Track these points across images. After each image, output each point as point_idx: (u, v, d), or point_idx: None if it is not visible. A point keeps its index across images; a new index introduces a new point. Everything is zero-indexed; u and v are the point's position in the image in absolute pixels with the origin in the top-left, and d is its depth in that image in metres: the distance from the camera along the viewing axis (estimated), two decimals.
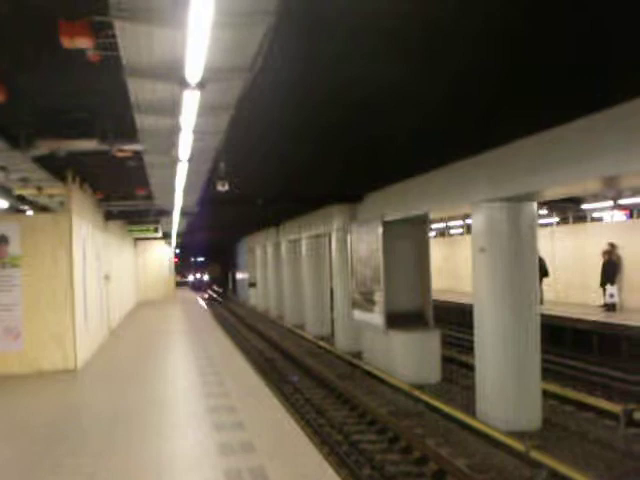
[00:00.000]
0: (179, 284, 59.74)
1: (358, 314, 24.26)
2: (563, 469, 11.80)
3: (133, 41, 6.44)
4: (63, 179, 15.92)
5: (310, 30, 7.76)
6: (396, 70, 9.40)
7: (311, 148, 15.09)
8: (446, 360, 21.85)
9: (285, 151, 15.43)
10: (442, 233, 43.01)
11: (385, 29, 7.84)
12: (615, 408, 15.28)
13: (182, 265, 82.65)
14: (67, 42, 6.86)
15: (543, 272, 27.11)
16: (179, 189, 17.20)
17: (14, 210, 19.49)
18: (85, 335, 16.70)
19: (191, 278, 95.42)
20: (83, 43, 6.91)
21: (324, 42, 8.16)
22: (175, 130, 10.23)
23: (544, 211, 28.45)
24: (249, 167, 17.34)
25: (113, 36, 6.45)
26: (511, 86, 10.32)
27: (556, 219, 30.88)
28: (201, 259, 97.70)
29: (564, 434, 14.60)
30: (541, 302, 26.71)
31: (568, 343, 23.04)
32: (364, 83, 10.01)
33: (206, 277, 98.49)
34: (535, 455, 12.60)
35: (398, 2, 7.02)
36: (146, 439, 9.67)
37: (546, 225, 30.70)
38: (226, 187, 15.94)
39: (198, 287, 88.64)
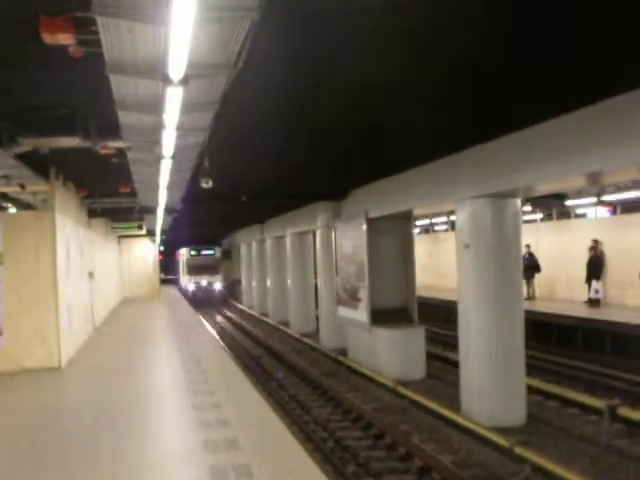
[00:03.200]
0: (164, 281, 59.25)
1: (342, 311, 24.28)
2: (547, 464, 11.84)
3: (115, 37, 6.39)
4: (46, 176, 15.82)
5: (295, 26, 7.74)
6: (382, 68, 9.40)
7: (295, 145, 15.07)
8: (431, 357, 21.89)
9: (269, 148, 15.41)
10: (427, 230, 43.06)
11: (372, 26, 7.84)
12: (599, 404, 15.35)
13: (167, 262, 72.18)
14: (49, 38, 6.81)
15: (535, 268, 27.26)
16: (163, 186, 17.13)
17: None
18: (69, 333, 16.61)
19: (190, 286, 58.39)
20: (65, 39, 6.85)
21: (310, 39, 8.15)
22: (159, 127, 10.16)
23: (528, 207, 28.49)
24: (233, 164, 17.30)
25: (95, 32, 6.39)
26: (496, 83, 10.34)
27: (540, 215, 30.96)
28: (209, 252, 59.35)
29: (548, 430, 14.66)
30: (533, 297, 26.95)
31: (553, 339, 23.12)
32: (349, 81, 10.01)
33: (218, 283, 59.23)
34: (519, 451, 12.64)
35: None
36: (131, 437, 9.62)
37: (530, 221, 30.79)
38: (210, 184, 15.89)
39: (201, 300, 54.72)
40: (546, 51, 8.89)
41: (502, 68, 9.61)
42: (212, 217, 34.70)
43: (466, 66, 9.49)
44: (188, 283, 58.33)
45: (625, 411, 14.72)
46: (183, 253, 60.23)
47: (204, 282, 58.06)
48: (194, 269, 58.07)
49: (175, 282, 70.27)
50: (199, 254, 59.01)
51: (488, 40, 8.44)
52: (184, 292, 55.97)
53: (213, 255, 59.35)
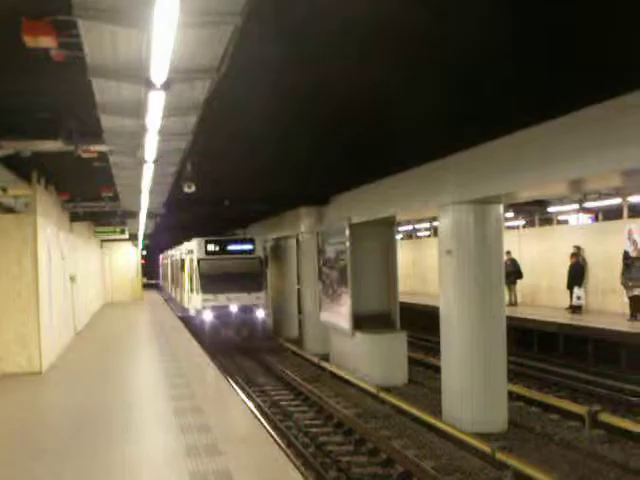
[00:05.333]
0: (147, 286, 58.18)
1: (325, 316, 24.27)
2: (529, 470, 11.86)
3: (97, 41, 6.36)
4: (28, 180, 15.76)
5: (277, 33, 7.74)
6: (366, 74, 9.41)
7: (278, 151, 15.06)
8: (413, 362, 21.90)
9: (253, 154, 15.39)
10: (409, 235, 43.12)
11: (357, 34, 7.85)
12: (580, 410, 15.41)
13: (150, 266, 69.43)
14: (31, 41, 6.78)
15: (517, 274, 27.32)
16: (145, 190, 17.09)
17: None
18: (50, 337, 16.53)
19: (206, 315, 29.11)
20: (47, 42, 6.83)
21: (293, 44, 8.14)
22: (141, 131, 10.14)
23: (510, 214, 28.61)
24: (216, 169, 17.28)
25: (77, 35, 6.37)
26: (479, 90, 10.37)
27: (522, 222, 31.09)
28: (243, 247, 31.48)
29: (530, 435, 14.70)
30: (515, 304, 27.02)
31: (535, 345, 23.20)
32: (331, 87, 10.01)
33: (261, 309, 29.75)
34: (501, 456, 12.66)
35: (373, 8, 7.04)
36: (112, 441, 9.59)
37: (512, 228, 30.91)
38: (192, 189, 15.87)
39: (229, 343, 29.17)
40: (527, 58, 8.94)
41: (485, 75, 9.64)
42: (194, 221, 34.59)
43: (451, 74, 9.52)
44: (200, 308, 29.65)
45: (606, 417, 14.79)
46: (189, 250, 33.03)
47: (235, 306, 29.43)
48: (214, 281, 29.73)
49: (158, 287, 65.62)
50: (224, 250, 31.11)
51: (469, 49, 8.47)
52: (192, 321, 31.37)
53: (251, 253, 31.23)
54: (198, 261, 30.19)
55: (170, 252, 48.54)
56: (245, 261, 30.44)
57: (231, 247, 30.99)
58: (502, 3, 7.22)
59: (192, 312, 31.41)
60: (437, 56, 8.76)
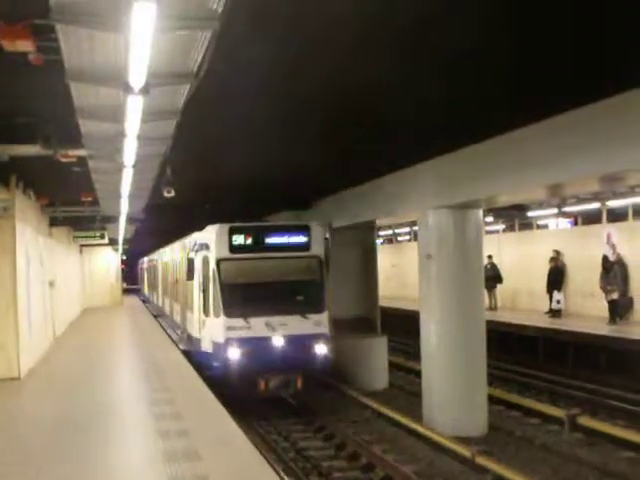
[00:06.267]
0: (127, 291, 57.70)
1: None
2: (509, 474, 11.89)
3: (75, 44, 6.33)
4: (6, 184, 15.66)
5: (259, 37, 7.73)
6: (350, 79, 9.42)
7: (259, 155, 15.03)
8: (393, 367, 21.92)
9: (234, 158, 15.36)
10: (390, 239, 43.17)
11: (338, 37, 7.87)
12: (560, 413, 15.47)
13: (130, 271, 69.57)
14: (8, 45, 6.74)
15: (497, 278, 27.39)
16: (125, 195, 17.03)
17: None
18: (29, 342, 16.42)
19: (232, 354, 16.63)
20: (24, 46, 6.79)
21: (280, 50, 8.16)
22: (120, 136, 10.10)
23: (490, 218, 28.69)
24: (197, 173, 17.25)
25: (55, 39, 6.34)
26: (462, 94, 10.40)
27: (502, 226, 31.20)
28: (291, 240, 18.20)
29: (510, 439, 14.74)
30: (495, 308, 27.09)
31: (514, 349, 23.27)
32: (314, 91, 10.02)
33: (322, 342, 17.18)
34: (481, 460, 12.69)
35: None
36: (91, 448, 9.53)
37: (492, 232, 31.01)
38: (172, 194, 15.80)
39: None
40: (514, 60, 8.99)
41: (470, 78, 9.67)
42: (173, 226, 34.50)
43: (437, 76, 9.54)
44: (222, 341, 17.18)
45: (585, 420, 14.87)
46: (201, 245, 19.49)
47: (281, 338, 17.04)
48: (246, 296, 17.93)
49: (138, 292, 62.36)
50: (261, 244, 18.31)
51: (456, 51, 8.51)
52: (203, 361, 18.53)
53: (306, 248, 18.46)
54: (218, 262, 17.70)
55: (162, 252, 35.36)
56: (296, 262, 18.40)
57: (273, 239, 18.25)
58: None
59: (206, 347, 18.12)
60: (422, 60, 8.81)
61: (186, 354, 19.61)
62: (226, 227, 17.79)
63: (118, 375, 16.87)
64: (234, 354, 16.55)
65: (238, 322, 16.87)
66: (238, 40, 7.39)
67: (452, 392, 14.94)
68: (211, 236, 18.15)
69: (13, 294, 15.12)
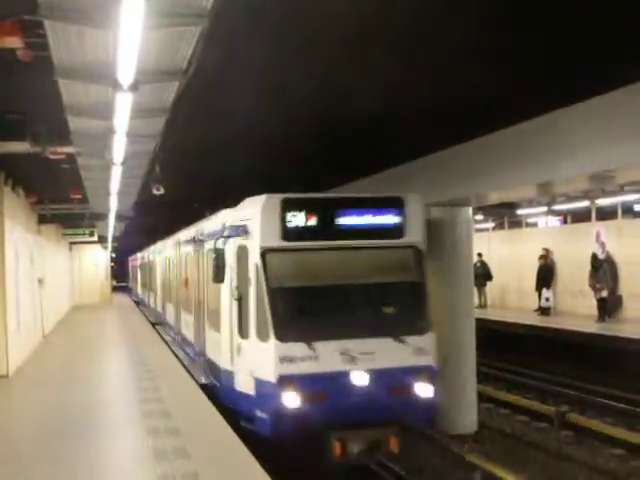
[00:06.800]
0: (116, 288, 57.46)
1: None
2: (498, 471, 11.90)
3: (64, 41, 6.32)
4: None
5: (251, 35, 7.72)
6: (336, 78, 9.43)
7: (245, 156, 15.01)
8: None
9: (222, 156, 15.34)
10: None
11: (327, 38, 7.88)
12: (549, 411, 15.49)
13: (120, 269, 69.38)
14: None
15: (487, 276, 27.45)
16: (114, 192, 17.00)
17: None
18: (17, 340, 16.37)
19: (289, 401, 10.68)
20: (13, 42, 6.77)
21: (263, 46, 8.14)
22: (109, 133, 10.08)
23: (480, 216, 28.73)
24: (185, 171, 17.22)
25: (44, 35, 6.32)
26: (453, 91, 10.41)
27: (492, 224, 31.24)
28: (377, 220, 11.90)
29: (499, 437, 14.75)
30: (484, 306, 27.13)
31: (503, 347, 23.28)
32: (299, 91, 10.02)
33: (428, 383, 11.69)
34: (470, 458, 12.69)
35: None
36: (80, 446, 9.50)
37: (482, 230, 31.04)
38: (161, 191, 15.77)
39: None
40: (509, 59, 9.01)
41: (462, 74, 9.69)
42: (165, 223, 34.44)
43: (428, 73, 9.56)
44: (273, 379, 10.90)
45: (574, 418, 14.89)
46: (235, 228, 12.24)
47: (362, 372, 11.08)
48: (308, 308, 11.85)
49: (127, 290, 61.22)
50: (331, 227, 11.81)
51: (452, 50, 8.52)
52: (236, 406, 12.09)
53: (398, 234, 12.02)
54: (263, 255, 11.52)
55: (164, 244, 27.76)
56: (385, 255, 12.39)
57: (349, 219, 12.01)
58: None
59: (243, 386, 11.80)
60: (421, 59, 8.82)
61: (208, 390, 13.43)
62: (277, 199, 11.59)
63: (106, 371, 16.81)
64: (291, 400, 10.84)
65: (297, 349, 11.03)
66: (233, 37, 7.39)
67: (442, 389, 14.91)
68: (253, 213, 11.79)
69: (2, 292, 15.08)
